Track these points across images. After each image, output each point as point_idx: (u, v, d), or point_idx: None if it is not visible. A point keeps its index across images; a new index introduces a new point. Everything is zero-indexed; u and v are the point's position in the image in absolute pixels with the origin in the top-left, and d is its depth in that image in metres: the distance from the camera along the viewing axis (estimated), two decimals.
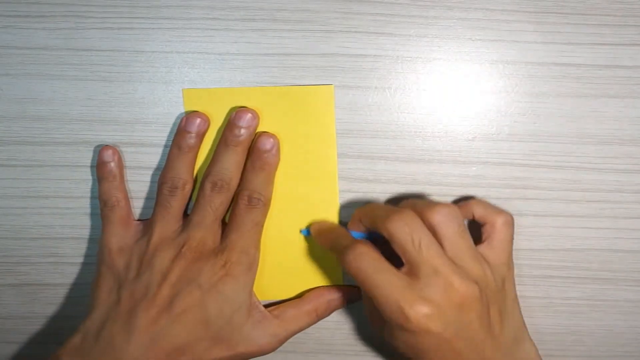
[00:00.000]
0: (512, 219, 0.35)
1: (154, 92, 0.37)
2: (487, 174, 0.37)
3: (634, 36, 0.36)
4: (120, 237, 0.37)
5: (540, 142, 0.37)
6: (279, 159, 0.37)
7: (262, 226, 0.37)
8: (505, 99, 0.37)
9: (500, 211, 0.35)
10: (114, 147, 0.37)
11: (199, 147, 0.36)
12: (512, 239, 0.35)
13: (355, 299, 0.39)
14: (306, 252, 0.38)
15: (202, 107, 0.36)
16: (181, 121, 0.36)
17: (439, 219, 0.33)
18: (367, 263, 0.32)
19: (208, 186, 0.35)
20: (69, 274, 0.39)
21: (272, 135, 0.36)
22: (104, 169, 0.37)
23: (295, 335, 0.38)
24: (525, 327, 0.36)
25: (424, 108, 0.37)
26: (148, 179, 0.38)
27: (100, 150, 0.37)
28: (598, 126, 0.37)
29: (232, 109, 0.36)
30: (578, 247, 0.38)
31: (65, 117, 0.37)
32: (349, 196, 0.38)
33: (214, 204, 0.36)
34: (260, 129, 0.36)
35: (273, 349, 0.36)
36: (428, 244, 0.32)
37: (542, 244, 0.38)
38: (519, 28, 0.36)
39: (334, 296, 0.38)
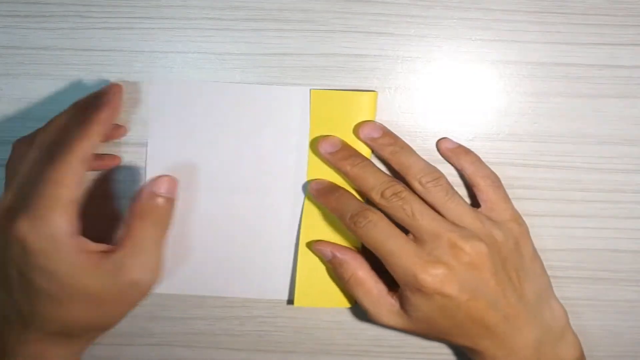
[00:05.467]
0: (497, 178, 0.36)
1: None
2: None
3: (634, 36, 0.36)
4: None
5: (540, 142, 0.37)
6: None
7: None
8: (505, 99, 0.37)
9: (483, 174, 0.36)
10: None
11: None
12: (505, 196, 0.36)
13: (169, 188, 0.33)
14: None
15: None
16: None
17: (425, 189, 0.34)
18: (379, 231, 0.33)
19: None
20: None
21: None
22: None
23: (295, 335, 0.38)
24: (550, 286, 0.36)
25: (424, 108, 0.37)
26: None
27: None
28: (598, 126, 0.37)
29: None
30: (578, 247, 0.38)
31: None
32: None
33: None
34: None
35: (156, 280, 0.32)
36: (421, 211, 0.33)
37: (542, 244, 0.38)
38: (519, 28, 0.36)
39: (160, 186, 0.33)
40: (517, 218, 0.36)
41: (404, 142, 0.35)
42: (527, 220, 0.37)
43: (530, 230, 0.37)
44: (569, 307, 0.39)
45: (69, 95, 0.36)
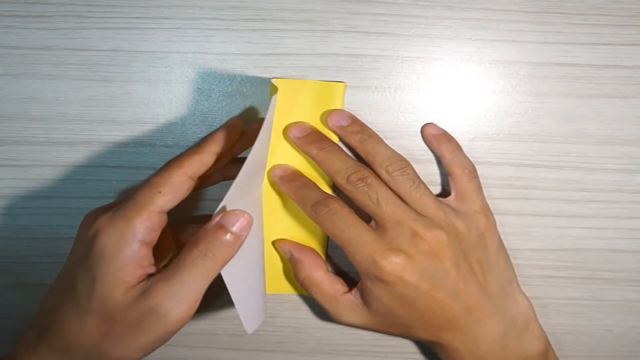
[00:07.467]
0: (474, 169, 0.36)
1: (154, 92, 0.37)
2: (487, 174, 0.37)
3: (634, 36, 0.36)
4: None
5: (540, 142, 0.37)
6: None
7: None
8: (505, 99, 0.37)
9: (460, 163, 0.35)
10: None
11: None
12: (478, 188, 0.35)
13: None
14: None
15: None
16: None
17: (392, 178, 0.33)
18: (339, 219, 0.32)
19: None
20: None
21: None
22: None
23: (295, 335, 0.38)
24: (516, 280, 0.36)
25: (424, 108, 0.37)
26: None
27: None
28: (598, 126, 0.37)
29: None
30: (578, 247, 0.38)
31: (65, 117, 0.37)
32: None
33: None
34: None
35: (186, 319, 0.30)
36: (386, 198, 0.33)
37: (542, 244, 0.38)
38: (519, 28, 0.36)
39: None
40: (485, 211, 0.35)
41: (371, 130, 0.35)
42: (528, 220, 0.37)
43: (531, 230, 0.37)
44: (569, 307, 0.39)
45: (69, 95, 0.37)
